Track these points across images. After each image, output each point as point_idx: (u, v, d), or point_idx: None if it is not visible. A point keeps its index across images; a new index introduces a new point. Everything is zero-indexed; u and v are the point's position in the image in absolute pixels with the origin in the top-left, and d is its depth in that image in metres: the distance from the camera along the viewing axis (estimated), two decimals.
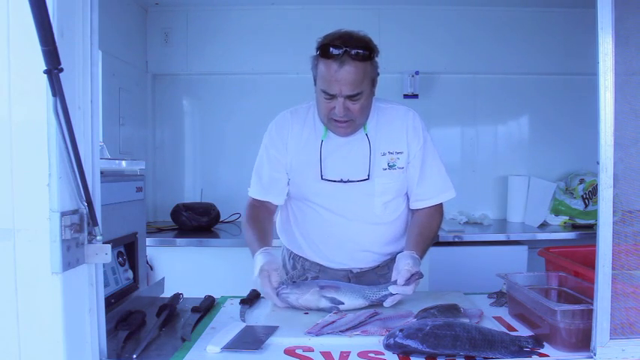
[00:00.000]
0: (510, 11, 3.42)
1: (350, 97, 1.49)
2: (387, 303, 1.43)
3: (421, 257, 1.54)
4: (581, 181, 3.28)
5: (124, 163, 1.59)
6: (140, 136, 3.33)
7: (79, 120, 1.03)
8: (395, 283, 1.43)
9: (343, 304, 1.42)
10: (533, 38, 3.42)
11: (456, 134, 3.56)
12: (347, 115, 1.52)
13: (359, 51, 1.45)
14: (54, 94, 0.92)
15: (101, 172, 1.12)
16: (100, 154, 1.13)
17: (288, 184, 1.70)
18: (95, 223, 1.03)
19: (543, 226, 3.17)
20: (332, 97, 1.49)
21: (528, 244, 2.90)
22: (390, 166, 1.63)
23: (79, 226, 1.01)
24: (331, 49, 1.45)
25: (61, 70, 0.91)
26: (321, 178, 1.61)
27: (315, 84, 1.56)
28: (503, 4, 3.38)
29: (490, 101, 3.51)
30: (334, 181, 1.61)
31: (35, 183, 0.96)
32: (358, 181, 1.61)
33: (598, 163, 1.04)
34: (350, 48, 1.44)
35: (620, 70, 1.03)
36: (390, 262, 1.73)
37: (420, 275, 1.44)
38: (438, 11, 3.41)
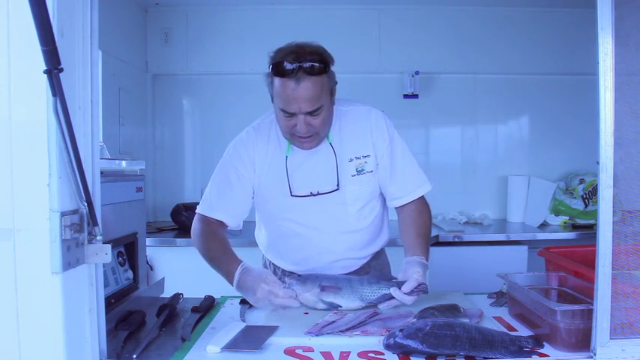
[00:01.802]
0: (510, 11, 3.42)
1: (310, 113, 1.45)
2: (382, 306, 1.42)
3: (427, 259, 1.53)
4: (581, 181, 3.28)
5: (124, 163, 1.59)
6: (140, 136, 3.33)
7: (79, 120, 1.03)
8: (397, 285, 1.42)
9: (341, 307, 1.42)
10: (533, 38, 3.42)
11: (456, 134, 3.56)
12: (310, 131, 1.48)
13: (314, 64, 1.40)
14: (54, 94, 0.92)
15: (101, 172, 1.12)
16: (100, 154, 1.13)
17: (254, 205, 1.67)
18: (95, 223, 1.03)
19: (543, 226, 3.17)
20: (292, 115, 1.46)
21: (528, 244, 2.90)
22: (359, 171, 1.60)
23: (79, 226, 1.01)
24: (285, 64, 1.40)
25: (61, 70, 0.91)
26: (291, 195, 1.58)
27: (272, 101, 1.52)
28: (503, 4, 3.38)
29: (490, 101, 3.51)
30: (304, 196, 1.58)
31: (35, 183, 0.96)
32: (328, 192, 1.58)
33: (598, 163, 1.04)
34: (304, 62, 1.39)
35: (620, 70, 1.02)
36: (371, 261, 1.74)
37: (425, 290, 1.42)
38: (438, 11, 3.41)
